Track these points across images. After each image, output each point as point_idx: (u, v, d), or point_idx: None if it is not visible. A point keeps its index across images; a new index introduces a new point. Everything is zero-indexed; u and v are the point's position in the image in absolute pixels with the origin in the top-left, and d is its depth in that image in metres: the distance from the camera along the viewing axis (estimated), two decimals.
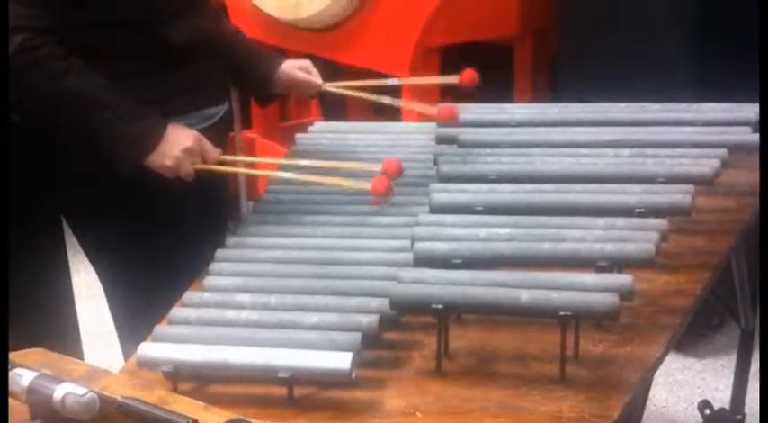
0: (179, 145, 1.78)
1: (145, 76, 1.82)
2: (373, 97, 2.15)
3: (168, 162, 1.77)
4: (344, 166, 1.86)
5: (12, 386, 1.13)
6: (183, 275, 1.67)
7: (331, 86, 2.14)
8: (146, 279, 1.88)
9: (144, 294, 1.84)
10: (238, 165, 2.07)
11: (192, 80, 1.88)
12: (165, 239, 1.87)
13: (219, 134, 1.98)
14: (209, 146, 1.83)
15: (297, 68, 2.11)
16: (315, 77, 2.12)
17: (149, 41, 1.81)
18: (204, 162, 1.82)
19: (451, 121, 1.99)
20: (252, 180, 3.30)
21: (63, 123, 1.79)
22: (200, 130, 1.86)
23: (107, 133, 1.76)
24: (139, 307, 1.81)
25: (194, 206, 1.87)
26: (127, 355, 1.78)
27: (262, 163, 1.96)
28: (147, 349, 1.39)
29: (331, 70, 2.47)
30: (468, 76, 2.12)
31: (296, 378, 1.33)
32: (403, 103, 2.23)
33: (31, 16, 1.72)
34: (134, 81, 1.80)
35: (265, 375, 1.34)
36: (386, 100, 2.15)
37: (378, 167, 1.77)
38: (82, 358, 2.03)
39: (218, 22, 2.01)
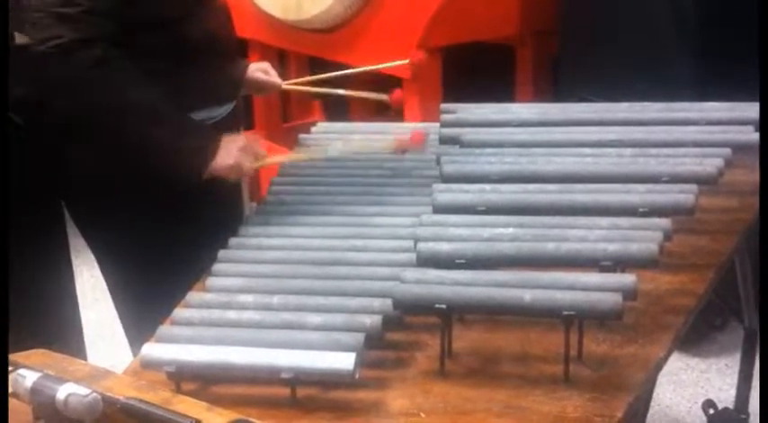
0: (235, 146, 1.82)
1: (161, 74, 1.81)
2: (329, 91, 2.36)
3: (230, 162, 1.81)
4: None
5: (15, 387, 1.13)
6: (192, 275, 1.67)
7: (289, 84, 2.32)
8: (154, 280, 1.88)
9: (152, 295, 1.83)
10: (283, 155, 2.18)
11: (206, 77, 1.89)
12: (174, 240, 1.86)
13: (231, 130, 1.99)
14: (256, 143, 1.89)
15: (258, 71, 2.19)
16: (274, 78, 2.23)
17: (169, 39, 1.82)
18: (256, 158, 1.87)
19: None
20: (255, 181, 3.30)
21: (126, 135, 1.79)
22: (212, 126, 1.89)
23: (171, 146, 1.79)
24: (147, 308, 1.81)
25: (206, 206, 1.87)
26: (135, 354, 1.78)
27: (303, 156, 2.04)
28: (151, 350, 1.39)
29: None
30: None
31: (299, 379, 1.33)
32: (352, 93, 2.41)
33: (106, 27, 1.71)
34: (152, 79, 1.80)
35: (268, 376, 1.34)
36: (340, 92, 2.36)
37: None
38: (85, 359, 2.03)
39: (228, 20, 2.03)
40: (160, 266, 1.86)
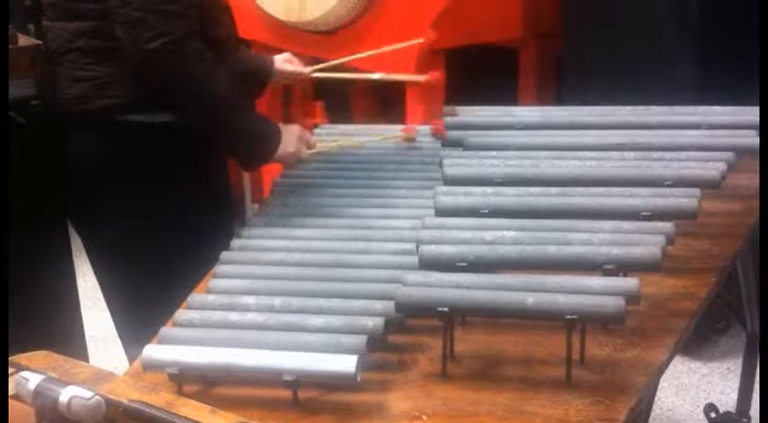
0: (293, 135, 1.96)
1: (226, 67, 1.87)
2: (362, 76, 2.41)
3: (291, 150, 1.94)
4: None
5: (18, 389, 1.13)
6: (187, 279, 1.67)
7: (317, 70, 2.35)
8: (148, 283, 1.88)
9: (146, 298, 1.84)
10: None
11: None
12: (168, 243, 1.87)
13: None
14: (308, 133, 2.04)
15: (285, 62, 2.26)
16: (300, 67, 2.30)
17: (228, 31, 1.92)
18: (308, 147, 2.01)
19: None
20: (257, 182, 3.30)
21: (223, 124, 1.87)
22: None
23: (251, 134, 1.90)
24: (142, 311, 1.81)
25: (199, 210, 1.87)
26: (132, 360, 1.78)
27: (345, 144, 2.13)
28: (153, 351, 1.39)
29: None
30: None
31: (301, 381, 1.33)
32: (387, 76, 2.45)
33: (196, 20, 1.78)
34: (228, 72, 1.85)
35: (270, 378, 1.34)
36: (375, 76, 2.39)
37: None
38: (87, 361, 2.02)
39: (234, 21, 2.06)
40: (157, 273, 1.86)
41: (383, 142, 2.16)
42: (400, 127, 2.25)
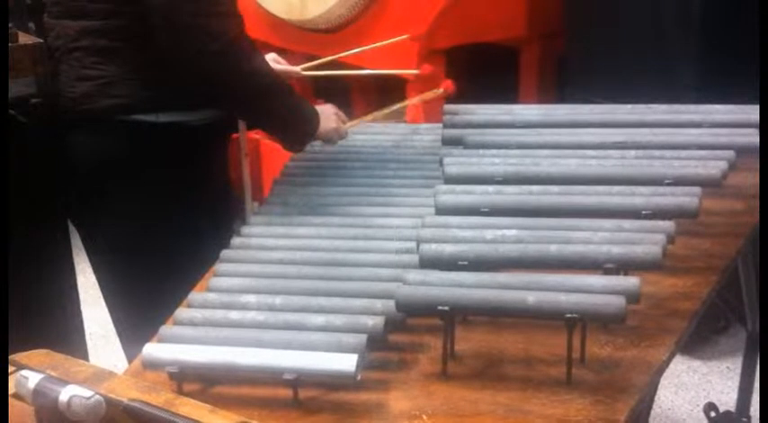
0: (329, 112, 2.04)
1: None
2: (356, 72, 2.45)
3: (333, 125, 2.02)
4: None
5: (18, 388, 1.13)
6: (187, 278, 1.67)
7: (307, 68, 2.37)
8: (148, 282, 1.88)
9: (146, 297, 1.83)
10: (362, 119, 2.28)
11: None
12: (169, 242, 1.86)
13: (232, 126, 2.09)
14: (338, 110, 2.10)
15: (272, 62, 2.20)
16: (288, 66, 2.28)
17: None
18: (344, 122, 2.09)
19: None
20: (257, 181, 3.30)
21: (266, 110, 1.90)
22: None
23: (298, 116, 1.95)
24: (141, 310, 1.80)
25: (200, 209, 1.87)
26: (130, 359, 1.77)
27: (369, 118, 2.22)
28: (153, 350, 1.39)
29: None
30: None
31: (301, 380, 1.33)
32: (379, 71, 2.51)
33: (240, 18, 1.80)
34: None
35: (271, 377, 1.34)
36: (367, 71, 2.43)
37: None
38: (87, 359, 2.02)
39: None
40: (157, 272, 1.86)
41: (385, 134, 2.16)
42: (403, 126, 2.25)
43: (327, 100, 2.84)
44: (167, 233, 1.87)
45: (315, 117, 1.98)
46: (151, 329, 1.47)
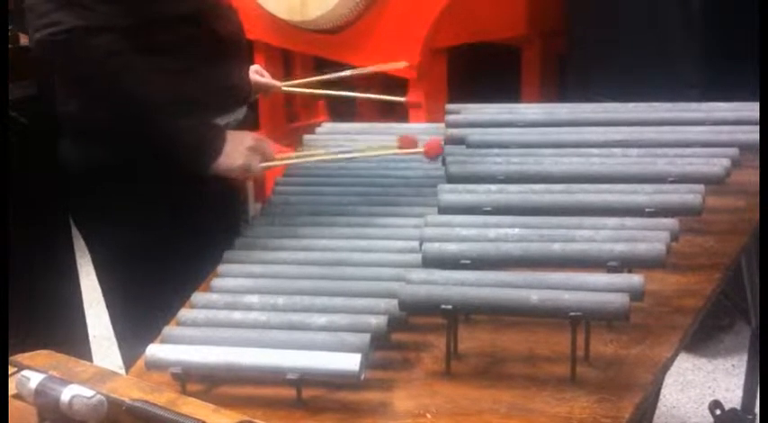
0: (243, 144, 1.77)
1: (189, 72, 1.79)
2: (340, 94, 2.32)
3: (238, 162, 1.76)
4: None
5: (20, 388, 1.13)
6: (191, 280, 1.65)
7: (288, 85, 2.29)
8: (147, 287, 1.84)
9: (148, 300, 1.81)
10: (293, 157, 2.01)
11: (229, 77, 1.88)
12: (171, 244, 1.84)
13: None
14: (266, 142, 1.84)
15: (254, 73, 2.14)
16: (269, 79, 2.20)
17: (200, 35, 1.80)
18: (265, 159, 1.81)
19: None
20: (260, 181, 3.30)
21: (135, 127, 1.75)
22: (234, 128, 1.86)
23: (178, 140, 1.74)
24: (141, 315, 1.77)
25: (205, 220, 1.84)
26: (127, 364, 1.76)
27: (313, 156, 1.95)
28: (156, 351, 1.38)
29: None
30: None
31: (305, 379, 1.33)
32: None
33: (114, 15, 1.67)
34: (180, 77, 1.77)
35: (274, 377, 1.34)
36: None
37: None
38: (90, 360, 2.02)
39: (240, 22, 1.99)
40: (158, 278, 1.82)
41: (388, 134, 2.15)
42: (405, 127, 2.22)
43: (332, 102, 2.83)
44: (167, 238, 1.83)
45: (209, 146, 1.75)
46: (150, 335, 1.46)
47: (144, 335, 1.49)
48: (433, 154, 1.84)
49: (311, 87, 2.39)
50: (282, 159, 1.89)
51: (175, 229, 1.83)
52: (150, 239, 1.84)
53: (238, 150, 1.76)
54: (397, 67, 2.31)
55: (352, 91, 2.37)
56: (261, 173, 1.83)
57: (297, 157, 1.95)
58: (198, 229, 1.84)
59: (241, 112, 1.95)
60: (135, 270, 1.88)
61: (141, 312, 1.79)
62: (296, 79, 2.48)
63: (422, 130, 2.24)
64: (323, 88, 2.42)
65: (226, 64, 1.87)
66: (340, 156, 1.92)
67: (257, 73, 2.17)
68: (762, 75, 1.80)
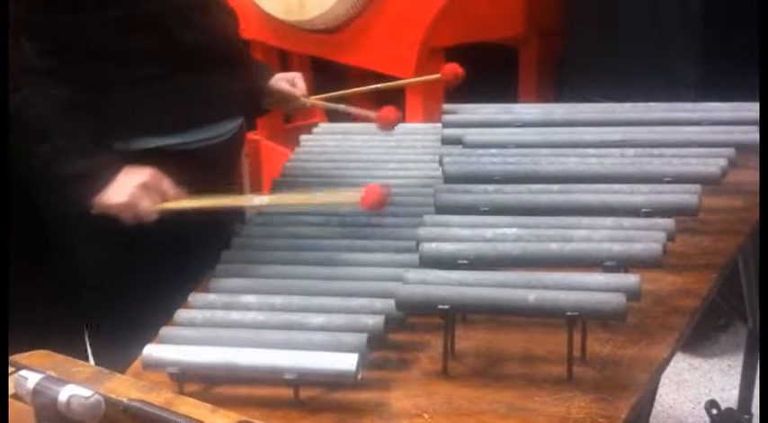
0: (133, 181, 1.60)
1: (159, 82, 1.68)
2: (351, 109, 2.10)
3: (123, 199, 1.59)
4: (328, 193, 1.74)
5: (17, 388, 1.13)
6: (173, 297, 1.56)
7: (314, 99, 2.09)
8: (130, 301, 1.77)
9: (128, 316, 1.71)
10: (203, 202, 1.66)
11: (211, 88, 1.75)
12: (151, 263, 1.75)
13: (232, 152, 1.89)
14: (168, 182, 1.63)
15: (283, 80, 2.01)
16: (300, 91, 2.02)
17: (162, 42, 1.67)
18: (164, 199, 1.62)
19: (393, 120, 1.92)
20: (256, 181, 3.30)
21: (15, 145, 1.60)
22: (213, 146, 1.77)
23: (54, 167, 1.59)
24: (123, 331, 1.65)
25: (192, 235, 1.72)
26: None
27: (231, 204, 1.71)
28: (153, 351, 1.38)
29: (334, 72, 2.48)
30: (450, 70, 2.12)
31: (302, 379, 1.33)
32: (355, 110, 2.11)
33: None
34: (148, 87, 1.67)
35: (271, 377, 1.34)
36: (341, 107, 2.10)
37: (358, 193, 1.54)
38: (87, 360, 2.02)
39: (233, 23, 1.87)
40: (140, 293, 1.74)
41: (382, 142, 2.15)
42: (402, 127, 2.18)
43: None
44: (151, 253, 1.73)
45: (86, 180, 1.59)
46: (130, 350, 1.41)
47: (121, 352, 1.45)
48: (374, 206, 1.54)
49: (337, 100, 2.17)
50: (184, 204, 1.63)
51: (158, 245, 1.72)
52: (133, 259, 1.77)
53: (126, 187, 1.59)
54: (431, 79, 2.21)
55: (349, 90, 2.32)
56: (150, 215, 1.61)
57: (207, 202, 1.63)
58: (183, 249, 1.74)
59: (228, 126, 1.83)
60: (116, 288, 1.81)
61: (123, 329, 1.69)
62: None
63: (419, 129, 2.25)
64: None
65: (208, 72, 1.73)
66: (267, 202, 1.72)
67: (287, 81, 2.02)
68: (762, 75, 1.81)
